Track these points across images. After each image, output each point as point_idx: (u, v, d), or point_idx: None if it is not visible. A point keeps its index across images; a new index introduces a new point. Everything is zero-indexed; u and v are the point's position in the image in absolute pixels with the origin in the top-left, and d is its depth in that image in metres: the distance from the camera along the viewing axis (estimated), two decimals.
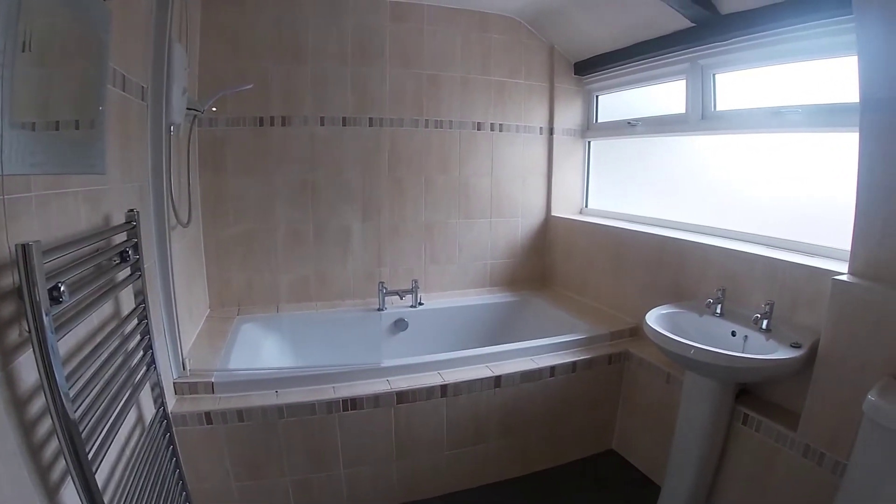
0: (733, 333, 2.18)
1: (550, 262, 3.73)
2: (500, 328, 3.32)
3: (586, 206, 3.75)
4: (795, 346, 1.91)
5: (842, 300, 1.77)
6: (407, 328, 3.11)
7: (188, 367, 2.14)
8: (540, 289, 3.64)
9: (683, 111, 2.89)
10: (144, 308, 1.65)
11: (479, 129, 3.36)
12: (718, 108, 2.74)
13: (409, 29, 3.08)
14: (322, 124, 2.95)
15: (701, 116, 2.78)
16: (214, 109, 2.58)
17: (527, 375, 2.45)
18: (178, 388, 2.07)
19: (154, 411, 1.74)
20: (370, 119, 3.05)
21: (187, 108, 2.26)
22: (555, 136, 3.58)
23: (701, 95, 2.78)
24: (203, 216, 2.83)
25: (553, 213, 3.67)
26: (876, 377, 1.61)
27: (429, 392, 2.26)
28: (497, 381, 2.38)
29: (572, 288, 3.50)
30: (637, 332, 2.88)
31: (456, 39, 3.21)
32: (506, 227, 3.58)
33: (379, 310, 3.07)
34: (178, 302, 2.10)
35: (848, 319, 1.75)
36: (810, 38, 2.18)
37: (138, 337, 1.62)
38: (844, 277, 1.79)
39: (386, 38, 3.01)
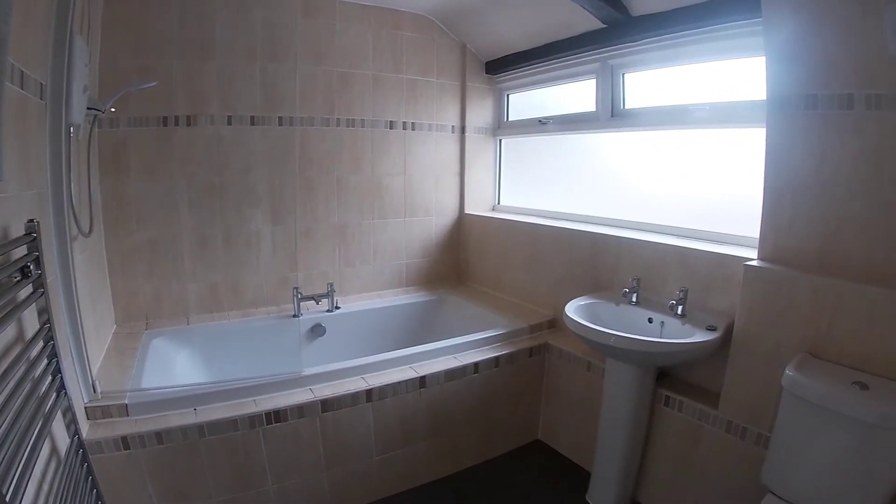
0: (650, 320, 2.36)
1: (465, 260, 3.84)
2: (419, 328, 3.38)
3: (499, 203, 3.89)
4: (711, 328, 2.10)
5: (754, 284, 1.97)
6: (325, 333, 3.10)
7: (99, 390, 2.03)
8: (456, 286, 3.74)
9: (594, 109, 3.06)
10: (50, 328, 1.55)
11: (391, 128, 3.40)
12: (628, 107, 2.92)
13: (319, 25, 3.05)
14: (229, 123, 2.87)
15: (611, 114, 2.97)
16: (113, 110, 2.43)
17: (451, 374, 2.52)
18: (91, 413, 1.96)
19: (69, 440, 1.64)
20: (280, 118, 3.00)
21: (88, 108, 2.13)
22: (467, 134, 3.68)
23: (611, 94, 2.96)
24: (105, 224, 2.67)
25: (466, 211, 3.77)
26: (790, 354, 1.82)
27: (354, 398, 2.27)
28: (422, 381, 2.43)
29: (488, 284, 3.63)
30: (555, 324, 3.04)
31: (367, 37, 3.22)
32: (420, 227, 3.64)
33: (295, 316, 3.03)
34: (83, 319, 1.99)
35: (760, 302, 1.95)
36: (718, 39, 2.37)
37: (45, 361, 1.52)
38: (755, 263, 1.99)
39: (296, 34, 2.97)
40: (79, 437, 1.68)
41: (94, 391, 2.03)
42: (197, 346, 2.74)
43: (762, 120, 2.02)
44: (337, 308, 3.18)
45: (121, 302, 2.79)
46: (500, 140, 3.85)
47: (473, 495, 2.51)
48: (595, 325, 2.21)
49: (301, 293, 3.04)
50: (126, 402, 2.01)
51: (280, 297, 3.15)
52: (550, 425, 2.93)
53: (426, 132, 3.54)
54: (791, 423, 1.75)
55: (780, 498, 1.76)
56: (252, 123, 2.93)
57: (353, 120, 3.25)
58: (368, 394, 2.31)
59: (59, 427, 1.62)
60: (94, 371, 2.12)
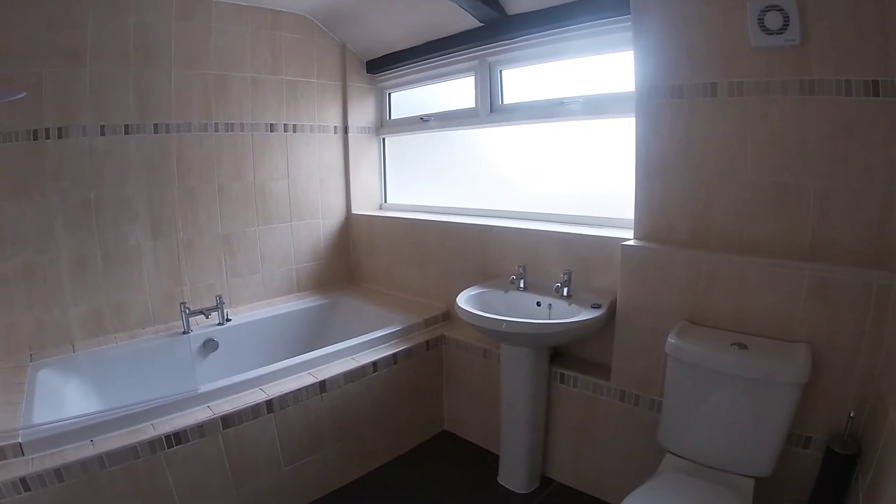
0: (538, 304, 2.57)
1: (356, 260, 3.96)
2: (316, 333, 3.45)
3: (386, 202, 4.03)
4: (596, 306, 2.32)
5: (631, 262, 2.22)
6: (218, 348, 3.09)
7: None
8: (348, 287, 3.85)
9: (473, 105, 3.27)
10: None
11: (272, 131, 3.42)
12: (506, 102, 3.15)
13: (195, 27, 3.00)
14: (103, 134, 2.76)
15: (490, 110, 3.19)
16: None
17: (350, 375, 2.61)
18: None
19: None
20: (155, 125, 2.93)
21: None
22: (350, 134, 3.77)
23: (489, 90, 3.17)
24: None
25: (353, 211, 3.88)
26: (671, 323, 2.07)
27: (254, 410, 2.32)
28: (322, 386, 2.51)
29: (380, 282, 3.77)
30: (449, 315, 3.24)
31: (245, 38, 3.21)
32: (307, 230, 3.70)
33: (185, 332, 2.99)
34: None
35: (639, 277, 2.21)
36: (590, 35, 2.62)
37: None
38: (632, 242, 2.25)
39: (171, 37, 2.90)
40: None
41: None
42: (86, 373, 2.65)
43: (632, 110, 2.26)
44: (228, 321, 3.18)
45: (0, 335, 2.64)
46: (384, 139, 3.98)
47: (387, 494, 2.64)
48: (486, 312, 2.37)
49: (189, 308, 3.01)
50: (19, 440, 1.94)
51: (168, 315, 3.09)
52: (455, 415, 3.12)
53: (308, 133, 3.59)
54: (678, 387, 1.99)
55: (679, 456, 2.00)
56: (126, 133, 2.84)
57: (232, 124, 3.24)
58: (269, 404, 2.36)
59: None
60: None
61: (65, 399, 2.47)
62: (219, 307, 3.13)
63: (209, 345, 3.09)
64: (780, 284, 1.89)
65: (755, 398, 1.81)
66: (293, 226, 3.63)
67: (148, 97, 2.90)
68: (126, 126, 2.85)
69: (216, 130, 3.19)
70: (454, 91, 3.49)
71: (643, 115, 2.22)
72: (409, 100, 3.86)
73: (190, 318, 3.03)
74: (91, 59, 2.70)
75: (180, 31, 2.96)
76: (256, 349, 3.21)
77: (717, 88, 2.01)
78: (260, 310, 3.42)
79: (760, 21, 1.85)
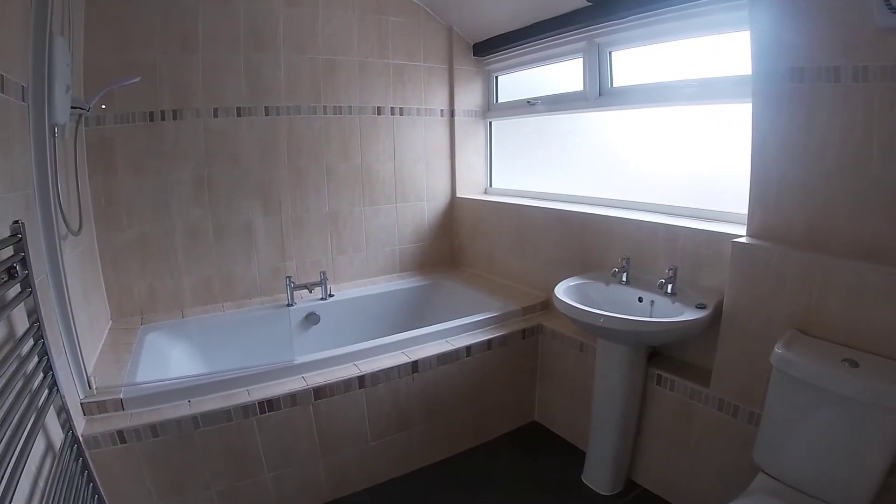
0: (640, 299, 2.38)
1: (458, 244, 3.89)
2: (414, 313, 3.44)
3: (490, 186, 3.93)
4: (700, 307, 2.11)
5: (742, 261, 1.98)
6: (319, 322, 3.16)
7: (94, 385, 2.09)
8: (450, 270, 3.80)
9: (581, 88, 3.07)
10: (39, 327, 1.60)
11: (379, 114, 3.42)
12: (615, 85, 2.93)
13: (303, 14, 3.06)
14: (215, 116, 2.90)
15: (598, 93, 2.97)
16: (104, 107, 2.48)
17: (443, 358, 2.57)
18: (87, 409, 2.02)
19: (63, 437, 1.70)
20: (266, 108, 3.03)
21: (72, 108, 2.17)
22: (456, 117, 3.70)
23: (598, 73, 2.96)
24: (96, 221, 2.71)
25: (458, 195, 3.81)
26: (780, 331, 1.83)
27: (346, 385, 2.33)
28: (414, 366, 2.49)
29: (481, 267, 3.68)
30: (548, 305, 3.09)
31: (352, 23, 3.23)
32: (412, 212, 3.68)
33: (288, 305, 3.09)
34: (76, 317, 2.04)
35: (749, 279, 1.96)
36: (703, 14, 2.36)
37: (36, 359, 1.57)
38: (744, 240, 1.99)
39: (279, 24, 2.98)
40: (73, 433, 1.74)
41: (90, 387, 2.08)
42: (192, 338, 2.80)
43: (749, 95, 2.01)
44: (330, 296, 3.23)
45: (115, 298, 2.84)
46: (490, 122, 3.87)
47: (470, 479, 2.58)
48: (585, 305, 2.23)
49: (294, 282, 3.09)
50: (121, 396, 2.07)
51: (273, 288, 3.21)
52: (546, 406, 2.99)
53: (415, 117, 3.56)
54: (781, 402, 1.77)
55: (772, 477, 1.78)
56: (238, 115, 2.96)
57: (340, 107, 3.28)
58: (361, 380, 2.36)
59: (53, 424, 1.68)
60: (90, 367, 2.18)
61: (169, 361, 2.61)
62: (322, 283, 3.19)
63: (311, 318, 3.15)
64: None
65: (861, 422, 1.57)
66: (398, 207, 3.62)
67: (258, 81, 3.00)
68: (238, 108, 2.97)
69: (325, 113, 3.23)
70: (562, 74, 3.30)
71: (760, 100, 1.96)
72: (516, 83, 3.72)
73: (294, 292, 3.10)
74: (203, 45, 2.83)
75: (288, 17, 3.03)
76: (356, 325, 3.24)
77: (841, 73, 1.74)
78: (362, 287, 3.45)
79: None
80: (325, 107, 3.23)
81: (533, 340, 2.91)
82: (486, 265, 3.64)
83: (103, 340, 2.60)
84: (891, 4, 1.56)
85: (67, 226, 2.10)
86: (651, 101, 2.73)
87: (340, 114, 3.29)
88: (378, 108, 3.42)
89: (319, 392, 2.28)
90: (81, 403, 2.02)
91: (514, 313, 2.97)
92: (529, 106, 3.43)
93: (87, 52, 2.55)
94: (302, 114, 3.16)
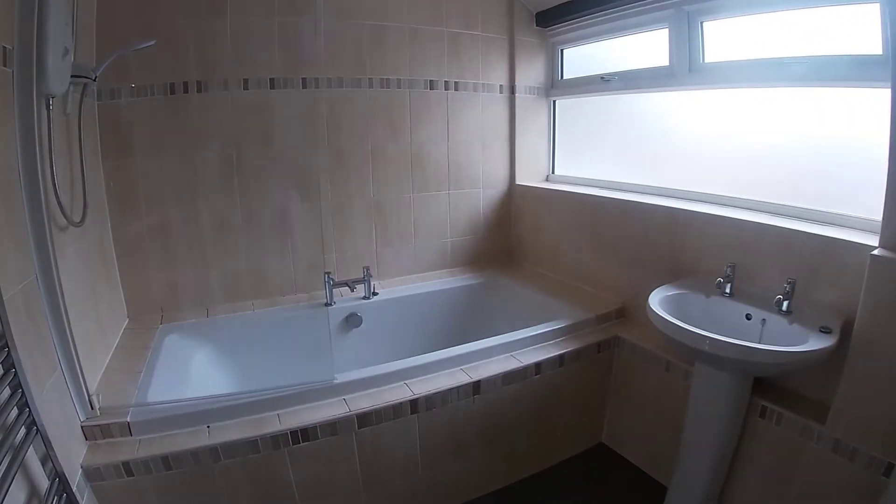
0: (748, 317, 1.92)
1: (517, 237, 3.39)
2: (467, 315, 2.99)
3: (553, 173, 3.41)
4: (825, 330, 1.66)
5: (883, 278, 1.53)
6: (361, 324, 2.72)
7: (98, 405, 1.70)
8: (507, 267, 3.30)
9: (667, 64, 2.56)
10: (8, 352, 1.19)
11: (431, 89, 2.94)
12: (707, 60, 2.42)
13: None
14: (245, 88, 2.46)
15: (688, 69, 2.46)
16: (133, 86, 2.09)
17: (510, 377, 2.12)
18: (89, 433, 1.64)
19: (48, 483, 1.28)
20: (303, 80, 2.58)
21: (74, 76, 1.76)
22: (517, 95, 3.19)
23: (688, 46, 2.45)
24: (109, 208, 2.32)
25: (518, 182, 3.31)
26: None
27: (396, 410, 1.90)
28: (476, 387, 2.04)
29: (544, 264, 3.18)
30: (625, 312, 2.61)
31: None
32: (466, 200, 3.20)
33: (327, 305, 2.65)
34: (80, 321, 1.67)
35: (890, 300, 1.51)
36: None
37: (7, 391, 1.17)
38: (885, 253, 1.54)
39: None
40: (59, 481, 1.31)
41: (92, 407, 1.69)
42: (217, 341, 2.39)
43: (879, 79, 1.61)
44: (374, 294, 2.79)
45: (132, 294, 2.45)
46: (554, 101, 3.35)
47: None
48: (684, 322, 1.76)
49: (333, 279, 2.65)
50: (128, 419, 1.68)
51: (310, 284, 2.77)
52: (617, 428, 2.54)
53: (471, 93, 3.07)
54: None
55: None
56: (272, 87, 2.52)
57: (388, 80, 2.81)
58: (413, 404, 1.93)
59: (37, 467, 1.28)
60: (96, 378, 1.83)
61: (190, 369, 2.21)
62: (365, 280, 2.75)
63: (352, 320, 2.71)
64: None
65: None
66: (451, 195, 3.14)
67: (295, 50, 2.55)
68: (271, 80, 2.53)
69: (370, 86, 2.77)
70: (636, 49, 2.79)
71: None
72: (580, 59, 3.19)
73: (334, 290, 2.65)
74: (232, 7, 2.39)
75: None
76: (402, 328, 2.82)
77: None
78: (409, 284, 3.00)
79: None
80: (370, 79, 2.76)
81: (608, 354, 2.44)
82: (549, 262, 3.13)
83: (116, 343, 2.22)
84: None
85: (66, 216, 1.69)
86: (752, 80, 2.22)
87: (388, 87, 2.81)
88: (431, 81, 2.93)
89: (364, 419, 1.85)
90: (83, 427, 1.64)
91: (587, 322, 2.48)
92: (603, 82, 2.91)
93: (99, 14, 2.15)
94: (344, 87, 2.70)
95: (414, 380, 2.01)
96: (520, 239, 3.37)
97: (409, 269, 3.09)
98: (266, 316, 2.56)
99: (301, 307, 2.65)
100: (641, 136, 2.88)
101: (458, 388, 2.00)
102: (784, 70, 2.06)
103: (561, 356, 2.26)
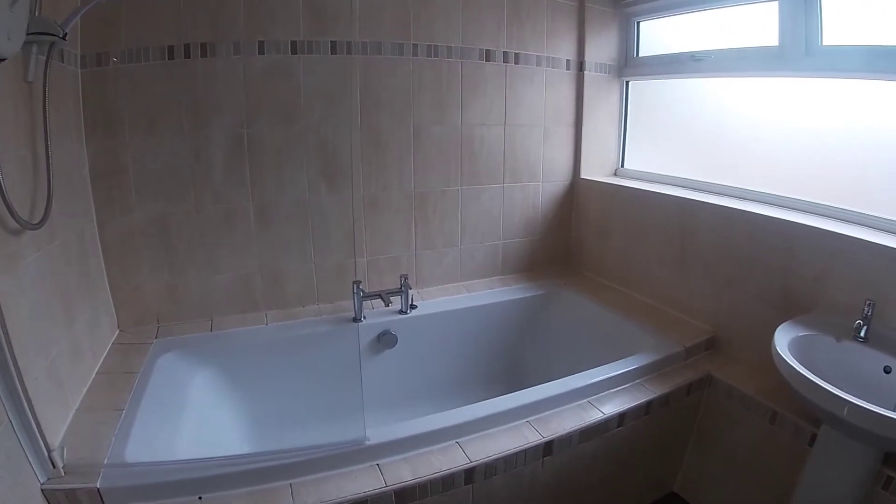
0: (887, 370, 1.49)
1: (578, 241, 2.83)
2: (524, 336, 2.48)
3: (622, 166, 2.85)
4: None
5: None
6: (396, 344, 2.20)
7: (62, 462, 1.24)
8: (565, 276, 2.74)
9: (777, 44, 2.02)
10: None
11: (487, 59, 2.39)
12: (826, 43, 1.88)
13: None
14: (261, 52, 1.95)
15: (805, 51, 1.92)
16: (124, 49, 1.59)
17: (588, 432, 1.61)
18: (52, 499, 1.19)
19: None
20: (332, 43, 2.05)
21: (33, 33, 1.27)
22: (585, 72, 2.63)
23: (804, 24, 1.91)
24: (95, 199, 1.85)
25: (582, 176, 2.75)
26: None
27: (446, 482, 1.39)
28: (548, 447, 1.54)
29: (611, 276, 2.62)
30: (715, 343, 2.09)
31: None
32: (523, 195, 2.65)
33: (355, 320, 2.14)
34: (33, 354, 1.25)
35: None
36: None
37: None
38: None
39: None
40: None
41: (54, 465, 1.24)
42: (220, 363, 1.90)
43: None
44: (412, 307, 2.26)
45: (123, 301, 1.98)
46: (627, 82, 2.78)
47: None
48: (819, 378, 1.35)
49: (363, 290, 2.13)
50: (97, 485, 1.20)
51: (336, 292, 2.26)
52: (694, 478, 2.05)
53: (534, 67, 2.51)
54: None
55: None
56: (293, 52, 2.00)
57: (436, 47, 2.26)
58: (469, 473, 1.41)
59: None
60: (65, 423, 1.40)
61: (185, 402, 1.73)
62: (403, 291, 2.22)
63: (385, 339, 2.20)
64: None
65: None
66: (505, 188, 2.59)
67: (324, 6, 2.03)
68: (293, 43, 2.01)
69: (414, 54, 2.23)
70: (735, 24, 2.24)
71: None
72: (657, 35, 2.63)
73: (364, 302, 2.13)
74: None
75: None
76: (445, 350, 2.33)
77: None
78: (454, 296, 2.46)
79: None
80: (414, 45, 2.22)
81: (697, 396, 1.91)
82: (619, 274, 2.58)
83: (99, 366, 1.73)
84: None
85: (16, 217, 1.19)
86: (888, 70, 1.67)
87: (436, 56, 2.27)
88: (487, 51, 2.38)
89: (405, 495, 1.34)
90: (43, 490, 1.19)
91: (676, 357, 1.95)
92: (693, 62, 2.35)
93: None
94: (383, 53, 2.17)
95: (468, 438, 1.50)
96: (582, 244, 2.81)
97: (454, 277, 2.55)
98: (281, 332, 2.06)
99: (324, 321, 2.13)
100: (734, 127, 2.30)
101: (525, 450, 1.49)
102: None
103: (649, 403, 1.74)
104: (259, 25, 1.94)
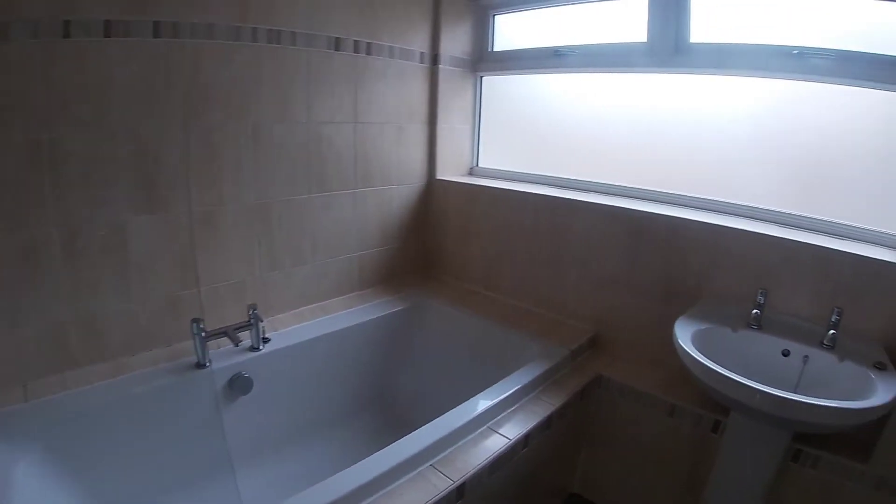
0: (786, 353, 1.62)
1: (437, 245, 2.71)
2: (396, 356, 2.34)
3: (477, 165, 2.78)
4: (880, 366, 1.46)
5: None
6: (252, 388, 1.87)
7: None
8: (427, 284, 2.62)
9: (645, 41, 2.09)
10: None
11: (337, 49, 2.12)
12: (694, 40, 2.00)
13: None
14: (66, 35, 1.48)
15: (674, 49, 2.01)
16: None
17: (497, 464, 1.50)
18: None
19: None
20: (155, 24, 1.64)
21: None
22: (440, 66, 2.49)
23: (675, 20, 2.00)
24: None
25: (438, 176, 2.62)
26: None
27: None
28: (460, 491, 1.38)
29: (477, 281, 2.56)
30: (597, 342, 2.14)
31: None
32: (377, 200, 2.44)
33: (200, 365, 1.77)
34: None
35: None
36: None
37: None
38: None
39: None
40: None
41: None
42: (46, 442, 1.42)
43: None
44: (265, 342, 1.94)
45: None
46: (481, 77, 2.70)
47: None
48: (726, 370, 1.41)
49: (205, 329, 1.77)
50: None
51: (172, 333, 1.86)
52: (593, 476, 2.09)
53: (386, 59, 2.30)
54: None
55: None
56: (107, 34, 1.55)
57: (279, 32, 1.94)
58: None
59: None
60: None
61: (12, 500, 1.25)
62: (252, 324, 1.90)
63: (238, 384, 1.86)
64: None
65: None
66: (358, 194, 2.36)
67: None
68: (107, 23, 1.56)
69: (254, 40, 1.89)
70: (594, 20, 2.31)
71: None
72: (513, 30, 2.60)
73: (207, 343, 1.79)
74: None
75: None
76: (308, 385, 2.07)
77: None
78: (310, 320, 2.17)
79: None
80: (254, 30, 1.88)
81: (591, 398, 1.94)
82: (484, 278, 2.52)
83: None
84: None
85: None
86: (756, 67, 1.85)
87: (279, 43, 1.95)
88: (336, 39, 2.11)
89: None
90: None
91: (564, 362, 1.94)
92: (556, 58, 2.34)
93: None
94: (216, 38, 1.79)
95: (370, 500, 1.29)
96: (443, 249, 2.69)
97: (308, 298, 2.27)
98: (113, 390, 1.60)
99: (163, 371, 1.72)
100: (579, 124, 2.40)
101: (436, 502, 1.32)
102: (802, 62, 1.74)
103: (549, 417, 1.69)
104: (65, 1, 1.49)
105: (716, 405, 1.68)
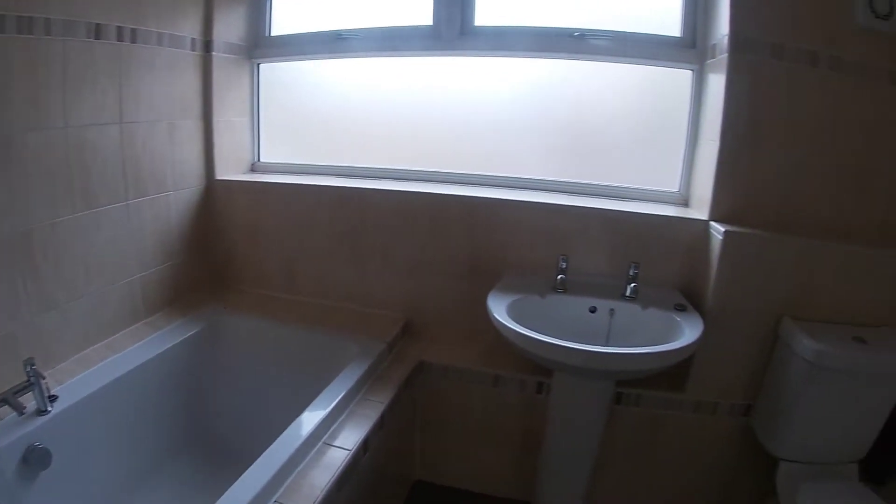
0: (593, 310, 1.88)
1: (228, 253, 2.50)
2: (202, 385, 2.13)
3: (258, 160, 2.60)
4: (680, 308, 1.78)
5: (735, 252, 1.73)
6: (51, 461, 1.53)
7: None
8: (224, 296, 2.41)
9: (431, 23, 2.20)
10: None
11: (97, 37, 1.77)
12: (479, 23, 2.18)
13: None
14: None
15: (459, 32, 2.16)
16: None
17: (342, 479, 1.48)
18: None
19: None
20: None
21: None
22: (214, 53, 2.25)
23: (460, 4, 2.14)
24: None
25: (218, 177, 2.40)
26: (769, 321, 1.77)
27: None
28: None
29: (275, 286, 2.45)
30: (411, 328, 2.26)
31: None
32: (152, 211, 2.13)
33: None
34: None
35: (741, 271, 1.74)
36: None
37: None
38: (732, 228, 1.73)
39: None
40: None
41: None
42: None
43: (686, 60, 1.97)
44: (52, 400, 1.60)
45: None
46: (258, 65, 2.51)
47: None
48: (545, 336, 1.57)
49: None
50: None
51: None
52: (434, 460, 2.23)
53: (154, 47, 2.00)
54: (804, 390, 1.66)
55: (793, 461, 1.75)
56: None
57: (30, 19, 1.55)
58: None
59: None
60: None
61: None
62: (33, 383, 1.55)
63: (34, 457, 1.51)
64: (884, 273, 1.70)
65: (872, 391, 1.65)
66: (131, 206, 2.03)
67: None
68: None
69: (1, 30, 1.50)
70: (373, 3, 2.32)
71: (737, 70, 1.72)
72: (291, 13, 2.48)
73: None
74: None
75: None
76: (119, 443, 1.80)
77: (819, 59, 1.68)
78: (98, 364, 1.82)
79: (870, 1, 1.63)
80: (1, 17, 1.49)
81: (415, 385, 2.05)
82: (282, 281, 2.43)
83: None
84: (873, 8, 1.63)
85: None
86: (539, 49, 2.10)
87: (30, 32, 1.56)
88: (97, 26, 1.76)
89: None
90: None
91: (382, 355, 2.00)
92: (339, 42, 2.31)
93: None
94: None
95: None
96: (231, 256, 2.48)
97: (91, 338, 1.90)
98: None
99: None
100: (366, 111, 2.45)
101: None
102: (582, 43, 2.03)
103: (381, 416, 1.73)
104: None
105: (536, 367, 1.85)
